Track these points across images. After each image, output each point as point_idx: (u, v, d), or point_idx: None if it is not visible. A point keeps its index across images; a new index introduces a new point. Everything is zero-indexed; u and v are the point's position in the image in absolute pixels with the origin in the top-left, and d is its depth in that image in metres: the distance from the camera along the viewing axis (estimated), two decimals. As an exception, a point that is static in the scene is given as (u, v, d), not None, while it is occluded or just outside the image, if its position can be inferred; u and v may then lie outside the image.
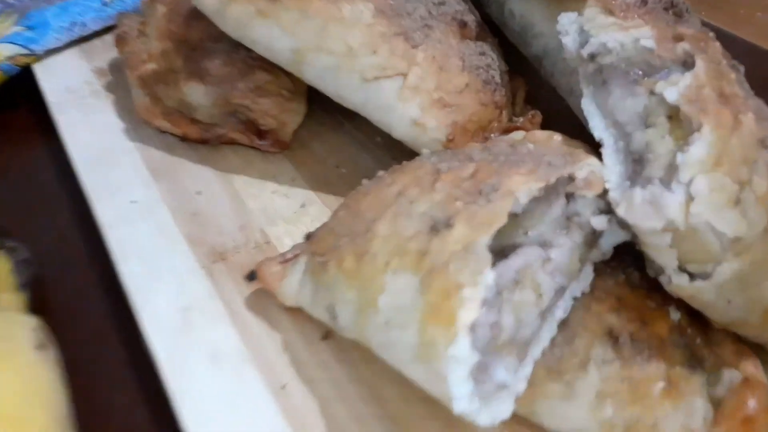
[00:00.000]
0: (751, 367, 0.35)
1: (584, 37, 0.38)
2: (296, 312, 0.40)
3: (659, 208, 0.30)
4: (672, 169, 0.31)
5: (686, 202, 0.29)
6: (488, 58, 0.48)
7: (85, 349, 0.41)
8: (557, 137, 0.39)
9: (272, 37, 0.44)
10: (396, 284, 0.31)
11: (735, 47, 0.39)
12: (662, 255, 0.31)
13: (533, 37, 0.50)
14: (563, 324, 0.34)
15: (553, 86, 0.50)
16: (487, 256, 0.29)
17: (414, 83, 0.44)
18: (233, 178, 0.51)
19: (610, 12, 0.37)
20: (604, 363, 0.33)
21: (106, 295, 0.44)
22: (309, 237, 0.41)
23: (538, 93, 0.54)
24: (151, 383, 0.37)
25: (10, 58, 0.59)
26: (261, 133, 0.51)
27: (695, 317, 0.35)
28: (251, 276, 0.42)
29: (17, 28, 0.62)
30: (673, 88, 0.32)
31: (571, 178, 0.33)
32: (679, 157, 0.30)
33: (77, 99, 0.58)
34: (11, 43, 0.60)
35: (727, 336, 0.36)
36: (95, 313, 0.44)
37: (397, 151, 0.48)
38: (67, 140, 0.53)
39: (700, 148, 0.30)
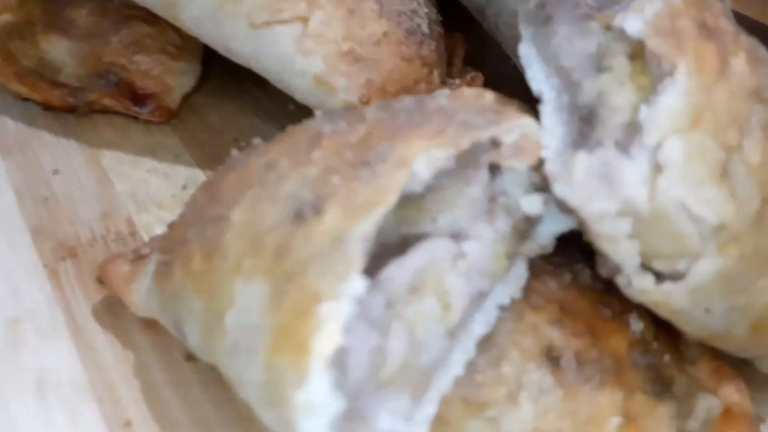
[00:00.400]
0: (733, 392, 0.30)
1: (525, -35, 0.32)
2: (154, 325, 0.32)
3: (612, 183, 0.23)
4: (633, 128, 0.24)
5: (652, 174, 0.23)
6: (413, 2, 0.41)
7: None
8: (489, 95, 0.31)
9: (135, -27, 0.38)
10: (247, 295, 0.23)
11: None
12: (618, 249, 0.25)
13: (474, -19, 0.45)
14: (486, 342, 0.27)
15: (498, 43, 0.44)
16: (358, 254, 0.20)
17: (317, 30, 0.37)
18: (103, 154, 0.44)
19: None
20: (542, 392, 0.27)
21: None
22: (170, 227, 0.32)
23: (481, 53, 0.48)
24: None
25: None
26: (139, 99, 0.45)
27: (663, 327, 0.30)
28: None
29: None
30: (637, 17, 0.25)
31: (495, 144, 0.25)
32: (644, 112, 0.24)
33: None
34: None
35: (703, 351, 0.31)
36: None
37: (311, 122, 0.41)
38: None
39: (673, 98, 0.23)
